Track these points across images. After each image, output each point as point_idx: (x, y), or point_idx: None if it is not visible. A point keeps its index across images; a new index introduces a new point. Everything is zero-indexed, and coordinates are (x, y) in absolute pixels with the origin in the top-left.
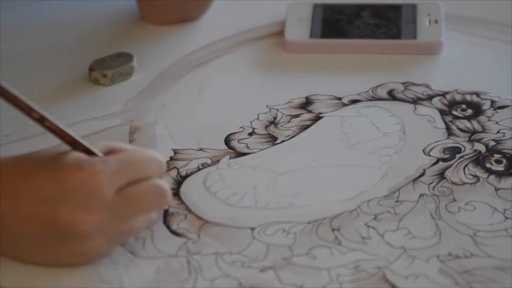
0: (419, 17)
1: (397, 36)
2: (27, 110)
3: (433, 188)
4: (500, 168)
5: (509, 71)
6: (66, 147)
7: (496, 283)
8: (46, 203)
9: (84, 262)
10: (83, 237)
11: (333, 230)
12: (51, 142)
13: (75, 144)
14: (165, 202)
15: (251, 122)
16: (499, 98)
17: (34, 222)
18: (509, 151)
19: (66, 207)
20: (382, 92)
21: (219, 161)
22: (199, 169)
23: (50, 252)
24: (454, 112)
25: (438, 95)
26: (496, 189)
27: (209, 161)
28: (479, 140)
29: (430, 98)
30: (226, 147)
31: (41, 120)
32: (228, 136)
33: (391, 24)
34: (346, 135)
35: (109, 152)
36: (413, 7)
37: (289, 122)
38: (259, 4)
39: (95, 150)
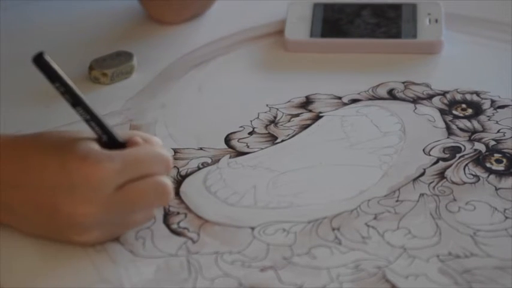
0: (419, 17)
1: (397, 35)
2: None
3: (433, 187)
4: (500, 167)
5: (509, 70)
6: (80, 129)
7: (496, 283)
8: (49, 190)
9: (80, 245)
10: (81, 229)
11: (333, 229)
12: None
13: (99, 125)
14: (167, 199)
15: (251, 121)
16: (499, 97)
17: (36, 208)
18: (510, 151)
19: (68, 198)
20: (382, 92)
21: (219, 160)
22: (199, 168)
23: (48, 233)
24: (454, 111)
25: (438, 94)
26: (496, 189)
27: (209, 161)
28: (479, 140)
29: (430, 97)
30: (226, 147)
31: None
32: (228, 135)
33: (391, 24)
34: (346, 134)
35: (128, 142)
36: (414, 6)
37: (289, 121)
38: (259, 3)
39: (116, 136)
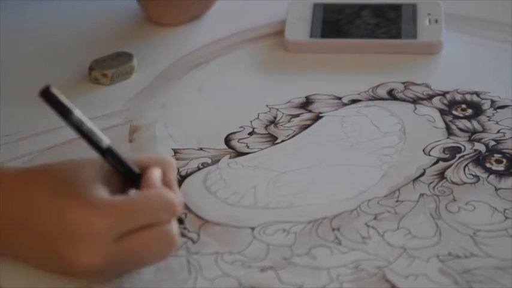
0: (419, 17)
1: (397, 35)
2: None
3: (433, 187)
4: (500, 168)
5: (509, 71)
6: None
7: (496, 283)
8: (53, 237)
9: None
10: (85, 276)
11: (333, 229)
12: (53, 141)
13: (111, 156)
14: (173, 249)
15: (251, 121)
16: (499, 97)
17: (41, 251)
18: (510, 151)
19: (70, 248)
20: (382, 92)
21: (219, 160)
22: (199, 169)
23: (57, 272)
24: (454, 112)
25: (438, 94)
26: (496, 189)
27: (209, 161)
28: (479, 140)
29: (430, 97)
30: (226, 147)
31: (80, 124)
32: (228, 136)
33: (391, 24)
34: (346, 134)
35: (143, 170)
36: (414, 7)
37: (289, 121)
38: (259, 4)
39: (132, 166)
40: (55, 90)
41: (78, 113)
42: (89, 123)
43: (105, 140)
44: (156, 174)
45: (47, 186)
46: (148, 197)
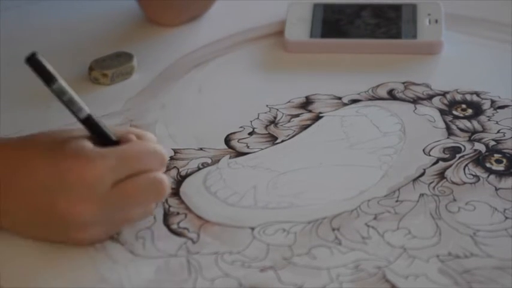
0: (419, 17)
1: (397, 36)
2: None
3: (433, 187)
4: (500, 168)
5: (509, 71)
6: (71, 128)
7: (496, 283)
8: (44, 192)
9: (79, 245)
10: (79, 227)
11: (333, 229)
12: None
13: (89, 124)
14: (163, 195)
15: (251, 121)
16: (499, 97)
17: (33, 210)
18: (510, 151)
19: (64, 198)
20: (382, 92)
21: (219, 160)
22: (199, 169)
23: (47, 235)
24: (454, 112)
25: (438, 94)
26: (496, 189)
27: (209, 161)
28: (479, 140)
29: (430, 97)
30: (226, 147)
31: (60, 93)
32: (228, 136)
33: (391, 24)
34: (346, 134)
35: (121, 140)
36: (414, 7)
37: (289, 121)
38: (259, 4)
39: (110, 134)
40: (41, 57)
41: (61, 82)
42: (71, 93)
43: (86, 110)
44: (134, 137)
45: (36, 150)
46: (139, 145)
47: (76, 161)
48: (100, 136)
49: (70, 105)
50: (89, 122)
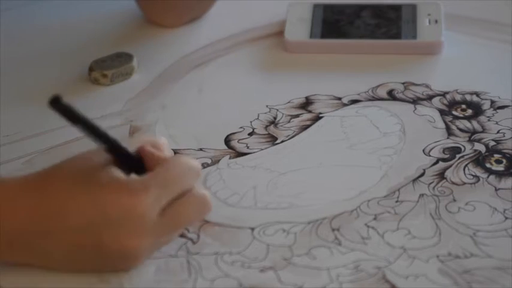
0: (419, 17)
1: (397, 36)
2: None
3: (433, 188)
4: (500, 168)
5: (509, 71)
6: (84, 152)
7: (496, 283)
8: (89, 230)
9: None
10: (130, 260)
11: (333, 230)
12: (53, 141)
13: (110, 147)
14: (209, 209)
15: (251, 122)
16: (499, 98)
17: (78, 248)
18: (509, 151)
19: (111, 234)
20: (382, 92)
21: (219, 161)
22: None
23: (94, 268)
24: (454, 112)
25: (438, 95)
26: (496, 189)
27: (209, 161)
28: (479, 140)
29: (430, 98)
30: (226, 147)
31: (86, 130)
32: (228, 136)
33: (391, 24)
34: (346, 135)
35: (140, 153)
36: (413, 7)
37: (289, 122)
38: (259, 4)
39: (133, 155)
40: (64, 101)
41: (87, 119)
42: (96, 126)
43: (111, 138)
44: (150, 148)
45: (65, 183)
46: (174, 167)
47: (118, 196)
48: (124, 158)
49: (96, 138)
50: (114, 149)
